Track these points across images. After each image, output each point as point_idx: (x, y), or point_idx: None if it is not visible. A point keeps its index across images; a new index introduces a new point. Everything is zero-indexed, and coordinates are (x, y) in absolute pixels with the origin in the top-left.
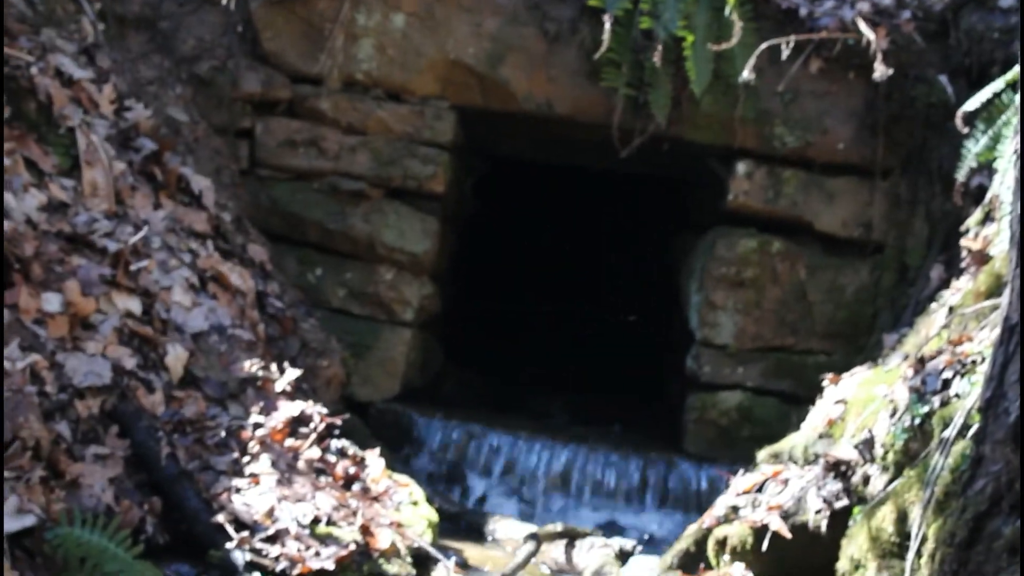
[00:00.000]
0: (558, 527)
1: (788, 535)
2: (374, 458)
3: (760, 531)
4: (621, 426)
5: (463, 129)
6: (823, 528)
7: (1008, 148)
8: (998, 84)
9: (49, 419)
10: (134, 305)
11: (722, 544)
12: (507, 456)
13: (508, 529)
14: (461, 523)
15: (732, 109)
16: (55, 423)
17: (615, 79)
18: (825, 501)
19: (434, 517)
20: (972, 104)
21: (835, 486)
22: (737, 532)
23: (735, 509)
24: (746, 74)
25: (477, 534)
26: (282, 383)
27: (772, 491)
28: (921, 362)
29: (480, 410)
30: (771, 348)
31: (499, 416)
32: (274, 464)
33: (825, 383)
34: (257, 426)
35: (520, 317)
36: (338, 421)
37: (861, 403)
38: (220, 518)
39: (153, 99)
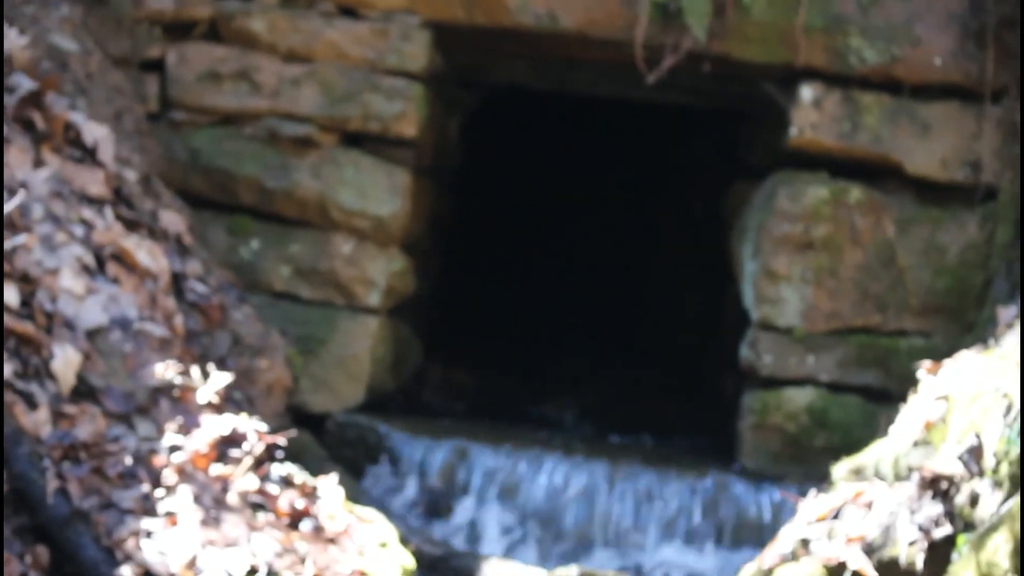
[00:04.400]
0: (572, 572)
1: (873, 575)
2: (330, 487)
3: (837, 570)
4: (654, 436)
5: (440, 52)
6: (919, 564)
7: None
8: None
9: None
10: (9, 295)
11: None
12: (506, 480)
13: None
14: (446, 569)
15: (792, 15)
16: None
17: None
18: (921, 529)
19: (410, 563)
20: None
21: (934, 509)
22: (807, 572)
23: (805, 543)
24: None
25: None
26: (207, 392)
27: (853, 518)
28: None
29: (471, 421)
30: (851, 330)
31: (496, 428)
32: (197, 499)
33: (921, 374)
34: (174, 449)
35: (524, 298)
36: (282, 440)
37: (968, 399)
38: (126, 572)
39: (31, 23)
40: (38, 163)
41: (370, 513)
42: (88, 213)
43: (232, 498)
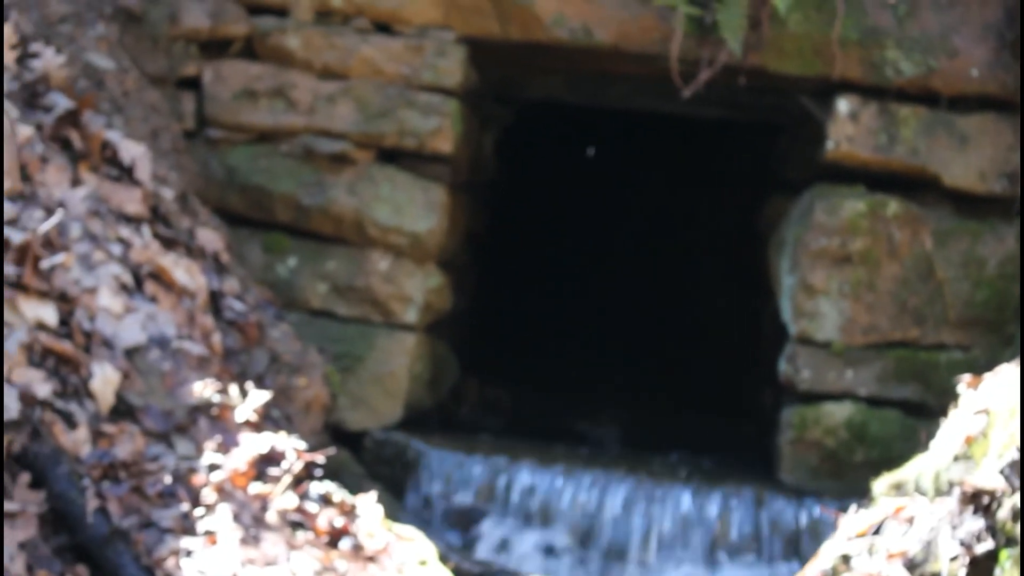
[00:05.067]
0: None
1: None
2: (369, 505)
3: None
4: (693, 451)
5: (475, 68)
6: None
7: None
8: None
9: None
10: (47, 313)
11: None
12: (544, 497)
13: None
14: None
15: (828, 28)
16: None
17: None
18: (963, 544)
19: None
20: None
21: (975, 524)
22: None
23: (846, 559)
24: None
25: None
26: (245, 410)
27: (894, 533)
28: None
29: (509, 437)
30: (890, 344)
31: (534, 445)
32: (236, 517)
33: (962, 388)
34: (213, 468)
35: (561, 314)
36: (320, 458)
37: (1009, 413)
38: None
39: (68, 42)
40: (75, 182)
41: (409, 531)
42: (126, 232)
43: (271, 517)
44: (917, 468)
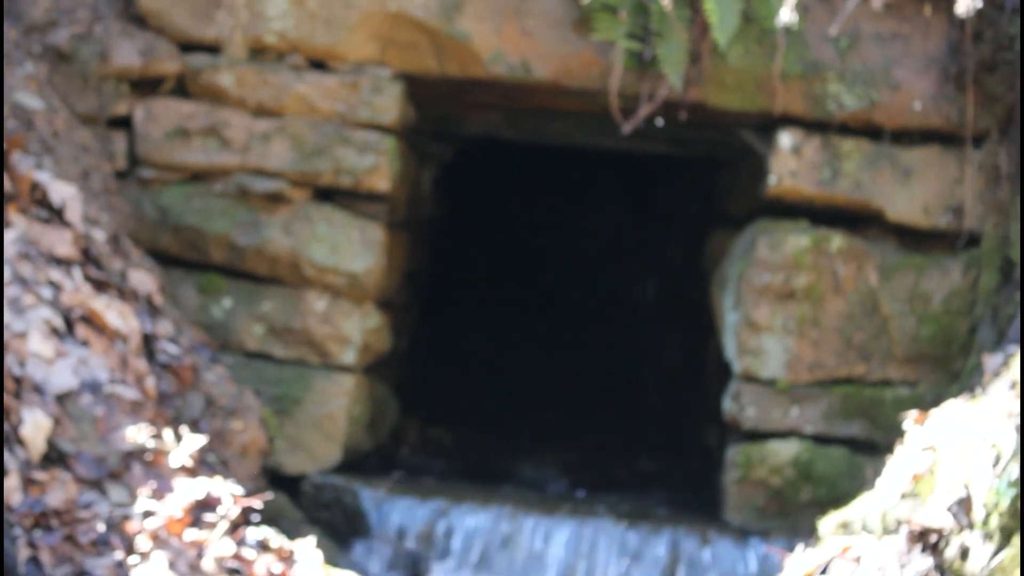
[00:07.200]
0: None
1: None
2: (308, 551)
3: None
4: (637, 492)
5: (413, 105)
6: None
7: None
8: None
9: None
10: None
11: None
12: (486, 541)
13: None
14: None
15: (770, 62)
16: None
17: (611, 29)
18: None
19: None
20: None
21: (924, 563)
22: None
23: None
24: (786, 14)
25: None
26: (180, 455)
27: (841, 573)
28: None
29: (452, 479)
30: (835, 380)
31: (476, 487)
32: (172, 565)
33: (908, 424)
34: (147, 515)
35: (503, 353)
36: (258, 503)
37: (956, 450)
38: None
39: None
40: (5, 224)
41: None
42: (56, 274)
43: (208, 564)
44: (864, 506)
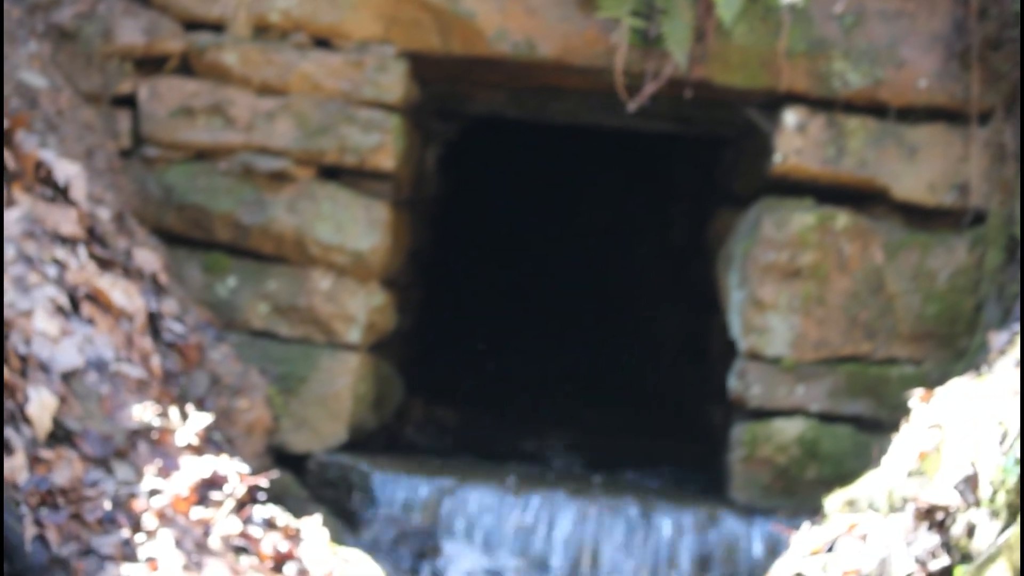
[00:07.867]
0: None
1: None
2: (314, 529)
3: None
4: (642, 470)
5: (417, 83)
6: None
7: None
8: None
9: None
10: None
11: None
12: (492, 518)
13: None
14: None
15: (775, 40)
16: None
17: (616, 6)
18: (918, 561)
19: None
20: None
21: (930, 540)
22: None
23: None
24: None
25: None
26: (186, 434)
27: (847, 550)
28: None
29: (456, 458)
30: (841, 358)
31: (480, 465)
32: (178, 543)
33: (914, 402)
34: (153, 493)
35: (508, 332)
36: (264, 481)
37: (962, 428)
38: None
39: None
40: (9, 203)
41: (355, 554)
42: (61, 253)
43: (214, 542)
44: (870, 484)
